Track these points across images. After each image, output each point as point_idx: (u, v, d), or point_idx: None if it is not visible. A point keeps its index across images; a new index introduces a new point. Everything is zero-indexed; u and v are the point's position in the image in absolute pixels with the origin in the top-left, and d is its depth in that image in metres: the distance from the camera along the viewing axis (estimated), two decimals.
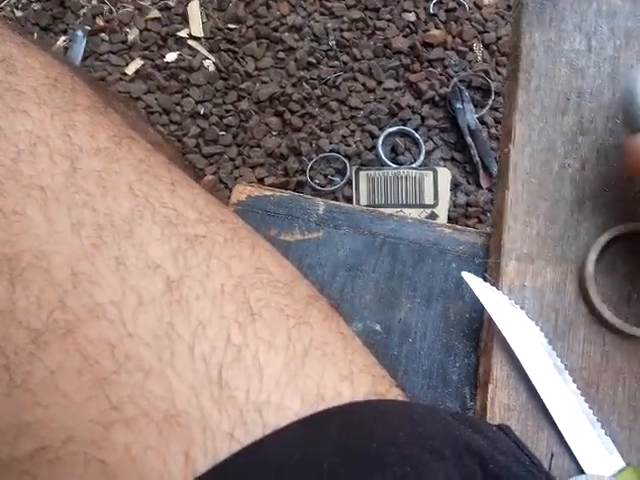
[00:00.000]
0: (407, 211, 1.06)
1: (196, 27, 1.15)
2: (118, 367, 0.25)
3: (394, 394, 0.28)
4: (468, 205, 1.08)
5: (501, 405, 0.37)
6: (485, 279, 0.41)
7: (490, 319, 0.38)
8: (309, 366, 0.26)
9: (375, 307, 0.42)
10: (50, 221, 0.26)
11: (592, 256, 0.37)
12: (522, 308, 0.38)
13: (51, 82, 0.30)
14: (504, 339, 0.37)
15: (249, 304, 0.27)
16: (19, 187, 0.26)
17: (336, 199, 1.09)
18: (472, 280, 0.38)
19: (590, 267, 0.37)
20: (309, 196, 0.44)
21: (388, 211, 1.06)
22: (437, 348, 0.41)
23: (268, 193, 0.43)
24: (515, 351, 0.36)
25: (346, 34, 1.15)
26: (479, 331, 0.40)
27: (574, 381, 0.36)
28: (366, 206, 1.06)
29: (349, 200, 1.07)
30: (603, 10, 0.42)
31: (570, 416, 0.35)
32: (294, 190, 1.09)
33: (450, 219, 1.06)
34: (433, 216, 1.05)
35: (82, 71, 0.73)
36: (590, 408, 0.36)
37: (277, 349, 0.26)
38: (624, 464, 0.35)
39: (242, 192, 0.43)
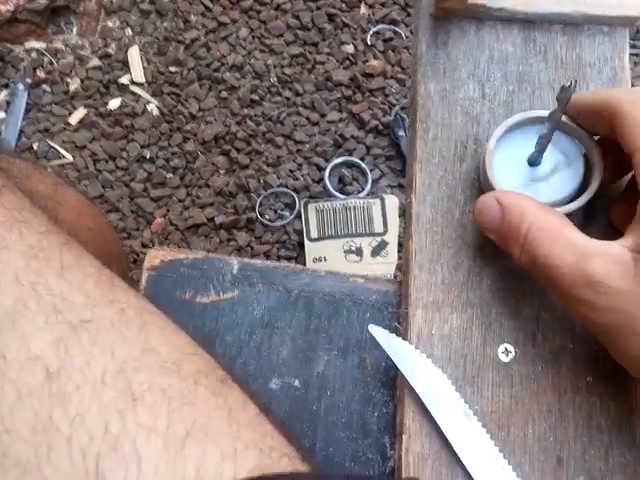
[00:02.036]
0: (357, 240, 1.07)
1: (137, 72, 1.16)
2: None
3: (282, 465, 0.29)
4: None
5: (415, 454, 0.37)
6: (397, 328, 0.41)
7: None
8: (189, 448, 0.26)
9: (293, 362, 0.42)
10: None
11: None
12: (431, 356, 0.38)
13: None
14: (414, 389, 0.37)
15: (131, 389, 0.27)
16: None
17: (287, 233, 1.09)
18: (378, 333, 0.38)
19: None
20: (222, 256, 0.44)
21: (339, 242, 1.07)
22: (355, 399, 0.41)
23: (181, 256, 0.44)
24: (424, 401, 0.37)
25: (287, 70, 1.16)
26: (396, 379, 0.41)
27: (484, 425, 0.37)
28: (317, 238, 1.06)
29: (300, 233, 1.08)
30: (495, 57, 0.43)
31: (481, 462, 0.36)
32: (245, 227, 1.10)
33: (401, 245, 1.07)
34: (383, 244, 1.07)
35: None
36: (501, 452, 0.36)
37: (157, 433, 0.26)
38: None
39: (155, 257, 0.44)
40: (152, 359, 0.28)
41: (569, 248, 0.33)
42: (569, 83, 0.34)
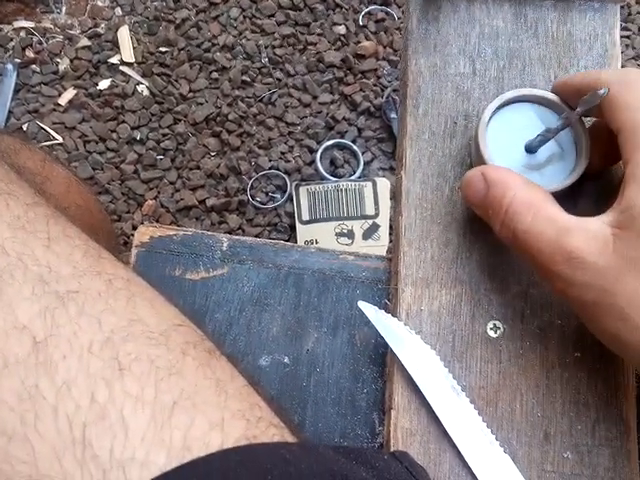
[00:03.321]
0: (349, 223, 1.07)
1: (127, 53, 1.15)
2: None
3: (270, 435, 0.29)
4: None
5: (403, 430, 0.37)
6: (387, 305, 0.41)
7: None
8: (176, 418, 0.26)
9: (282, 339, 0.42)
10: None
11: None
12: (420, 332, 0.38)
13: None
14: (403, 365, 0.37)
15: (118, 359, 0.27)
16: None
17: (278, 216, 1.09)
18: (368, 309, 0.38)
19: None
20: (212, 233, 0.44)
21: (330, 224, 1.07)
22: (345, 376, 0.41)
23: (171, 233, 0.44)
24: (413, 376, 0.37)
25: (278, 50, 1.16)
26: (385, 356, 0.41)
27: (472, 401, 0.37)
28: (308, 221, 1.06)
29: (291, 216, 1.08)
30: (486, 32, 0.43)
31: (469, 437, 0.36)
32: (236, 209, 1.09)
33: (392, 228, 1.07)
34: (375, 227, 1.07)
35: None
36: (489, 427, 0.37)
37: (144, 403, 0.26)
38: None
39: (145, 233, 0.43)
40: (139, 330, 0.28)
41: (549, 223, 0.33)
42: (605, 90, 0.33)
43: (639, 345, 0.31)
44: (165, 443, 0.26)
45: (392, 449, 0.37)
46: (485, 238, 0.40)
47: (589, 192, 0.40)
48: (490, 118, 0.38)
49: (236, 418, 0.28)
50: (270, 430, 0.29)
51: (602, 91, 0.33)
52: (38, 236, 0.30)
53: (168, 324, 0.30)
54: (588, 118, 0.39)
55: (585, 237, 0.31)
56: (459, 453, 0.36)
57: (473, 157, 0.40)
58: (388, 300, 0.42)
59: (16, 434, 0.25)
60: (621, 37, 0.44)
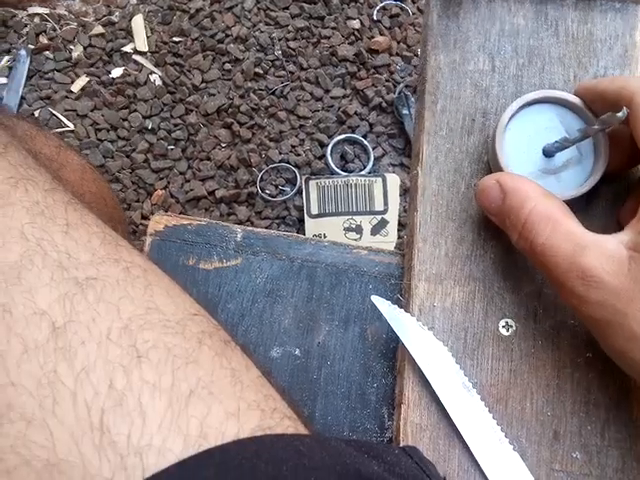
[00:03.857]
0: (358, 218, 1.07)
1: (141, 42, 1.15)
2: (0, 417, 0.25)
3: (284, 427, 0.29)
4: None
5: (413, 425, 0.37)
6: (400, 300, 0.41)
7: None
8: (193, 406, 0.27)
9: (294, 332, 0.42)
10: None
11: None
12: (432, 328, 0.38)
13: None
14: (414, 360, 0.37)
15: (136, 346, 0.27)
16: None
17: (287, 209, 1.09)
18: (381, 303, 0.38)
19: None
20: (226, 223, 0.44)
21: (339, 219, 1.07)
22: (355, 370, 0.41)
23: (185, 222, 0.44)
24: (424, 372, 0.37)
25: (292, 43, 1.16)
26: (396, 351, 0.41)
27: (483, 398, 0.37)
28: (317, 215, 1.06)
29: (300, 209, 1.08)
30: (506, 30, 0.43)
31: (479, 434, 0.36)
32: (246, 201, 1.09)
33: (401, 224, 1.07)
34: (384, 222, 1.07)
35: None
36: (498, 424, 0.37)
37: (162, 391, 0.26)
38: (532, 479, 0.36)
39: (159, 222, 0.43)
40: (157, 318, 0.29)
41: (567, 238, 0.33)
42: (624, 112, 0.33)
43: None
44: (182, 431, 0.26)
45: (402, 444, 0.37)
46: (499, 236, 0.40)
47: (603, 193, 0.40)
48: (509, 119, 0.38)
49: (252, 408, 0.28)
50: (284, 422, 0.29)
51: (621, 114, 0.33)
52: (57, 222, 0.30)
53: (184, 313, 0.30)
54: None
55: (601, 256, 0.31)
56: (468, 450, 0.36)
57: (490, 156, 0.40)
58: (401, 295, 0.42)
59: (35, 419, 0.25)
60: None
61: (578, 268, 0.32)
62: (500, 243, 0.40)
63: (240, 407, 0.28)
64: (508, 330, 0.39)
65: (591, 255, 0.32)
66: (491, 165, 0.40)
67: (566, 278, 0.32)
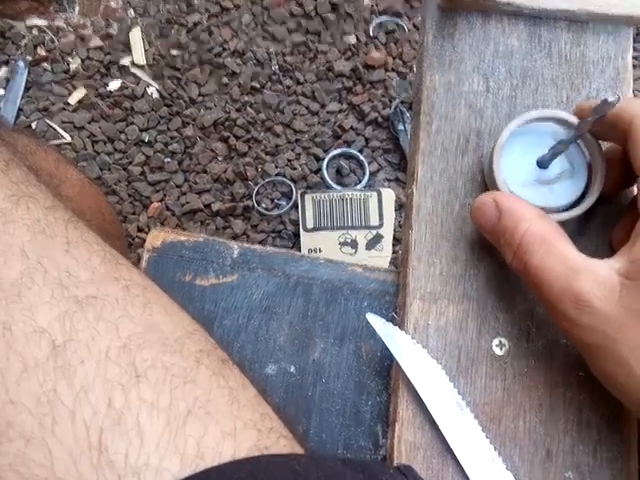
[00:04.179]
0: (353, 233, 1.07)
1: (139, 55, 1.16)
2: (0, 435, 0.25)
3: (280, 446, 0.29)
4: None
5: (407, 443, 0.37)
6: (394, 318, 0.42)
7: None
8: (191, 425, 0.27)
9: (289, 348, 0.42)
10: None
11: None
12: (426, 347, 0.39)
13: None
14: (409, 378, 0.38)
15: (134, 365, 0.27)
16: None
17: (283, 223, 1.09)
18: (375, 321, 0.39)
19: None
20: (223, 240, 0.44)
21: (334, 233, 1.07)
22: (350, 387, 0.41)
23: (182, 238, 0.44)
24: (418, 390, 0.37)
25: (289, 58, 1.16)
26: (390, 369, 0.41)
27: (476, 417, 0.37)
28: (313, 229, 1.07)
29: (296, 223, 1.08)
30: (500, 51, 0.43)
31: (472, 453, 0.36)
32: (241, 215, 1.10)
33: (396, 239, 1.08)
34: (379, 237, 1.07)
35: None
36: (491, 443, 0.37)
37: (159, 410, 0.27)
38: None
39: (157, 237, 0.44)
40: (155, 337, 0.29)
41: (560, 261, 0.33)
42: (616, 97, 0.33)
43: (635, 392, 0.31)
44: (179, 450, 0.26)
45: (395, 462, 0.37)
46: (493, 255, 0.40)
47: (597, 214, 0.40)
48: (508, 136, 0.39)
49: (248, 428, 0.28)
50: (281, 441, 0.29)
51: (612, 98, 0.33)
52: (57, 240, 0.30)
53: (182, 331, 0.30)
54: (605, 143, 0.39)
55: (593, 282, 0.32)
56: (462, 469, 0.37)
57: (486, 174, 0.40)
58: (395, 313, 0.42)
59: (34, 437, 0.25)
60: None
61: (571, 292, 0.32)
62: (493, 262, 0.40)
63: (237, 426, 0.28)
64: (501, 349, 0.39)
65: (584, 279, 0.32)
66: (486, 179, 0.40)
67: (559, 301, 0.33)
